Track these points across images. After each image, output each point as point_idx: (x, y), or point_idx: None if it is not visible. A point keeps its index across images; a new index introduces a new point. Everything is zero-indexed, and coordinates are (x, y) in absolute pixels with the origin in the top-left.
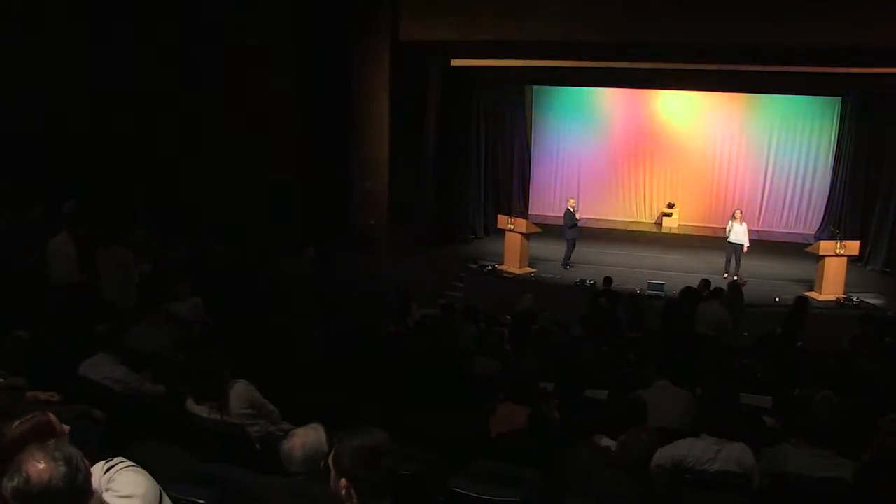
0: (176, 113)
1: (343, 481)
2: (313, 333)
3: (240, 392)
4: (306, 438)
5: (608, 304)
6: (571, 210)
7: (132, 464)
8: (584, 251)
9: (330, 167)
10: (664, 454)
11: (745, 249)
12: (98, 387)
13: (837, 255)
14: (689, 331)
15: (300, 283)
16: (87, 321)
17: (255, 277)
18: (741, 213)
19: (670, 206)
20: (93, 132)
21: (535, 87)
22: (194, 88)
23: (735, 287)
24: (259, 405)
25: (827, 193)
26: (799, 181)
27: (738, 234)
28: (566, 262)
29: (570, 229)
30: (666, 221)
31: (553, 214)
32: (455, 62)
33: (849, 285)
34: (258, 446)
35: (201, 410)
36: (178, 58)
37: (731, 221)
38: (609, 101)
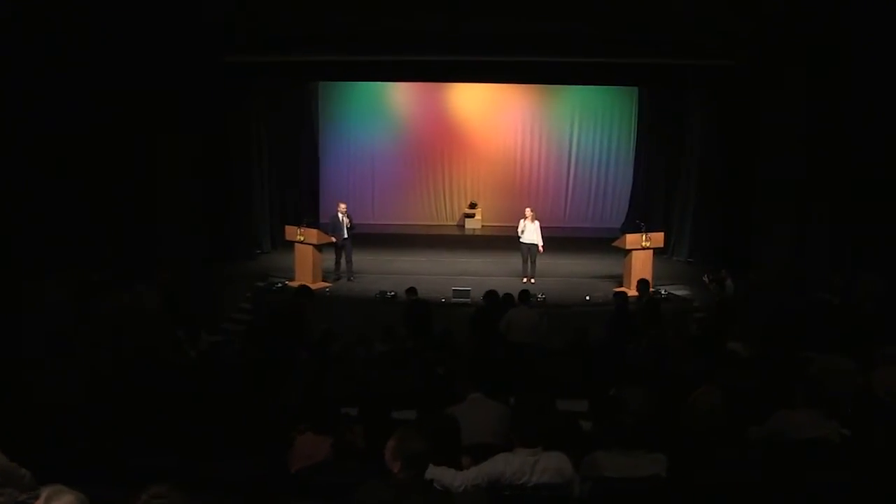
0: None
1: None
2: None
3: None
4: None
5: (416, 314)
6: (345, 215)
7: None
8: (382, 259)
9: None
10: (481, 472)
11: (539, 249)
12: None
13: (644, 248)
14: (500, 338)
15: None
16: None
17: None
18: (532, 211)
19: (472, 205)
20: None
21: (321, 83)
22: None
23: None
24: (5, 471)
25: (630, 185)
26: (602, 174)
27: (531, 233)
28: (351, 273)
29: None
30: (469, 222)
31: None
32: (230, 58)
33: (656, 278)
34: None
35: None
36: None
37: (522, 221)
38: (403, 96)
